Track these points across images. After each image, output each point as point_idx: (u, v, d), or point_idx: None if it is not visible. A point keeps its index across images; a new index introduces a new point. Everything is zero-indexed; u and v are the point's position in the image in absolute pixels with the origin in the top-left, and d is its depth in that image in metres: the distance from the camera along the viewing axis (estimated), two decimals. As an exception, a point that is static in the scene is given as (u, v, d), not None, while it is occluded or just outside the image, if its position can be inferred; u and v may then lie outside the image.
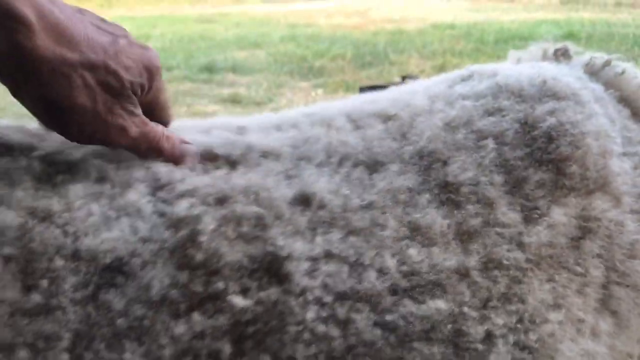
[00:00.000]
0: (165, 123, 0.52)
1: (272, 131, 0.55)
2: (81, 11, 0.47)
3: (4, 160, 0.46)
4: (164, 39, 6.34)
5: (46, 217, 0.44)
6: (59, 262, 0.42)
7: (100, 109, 0.45)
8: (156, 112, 0.51)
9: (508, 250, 0.51)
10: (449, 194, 0.52)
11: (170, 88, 4.39)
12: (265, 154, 0.52)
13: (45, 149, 0.48)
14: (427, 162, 0.53)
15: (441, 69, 4.67)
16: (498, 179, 0.53)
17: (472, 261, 0.50)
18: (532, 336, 0.50)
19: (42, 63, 0.43)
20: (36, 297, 0.41)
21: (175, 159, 0.50)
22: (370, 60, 5.20)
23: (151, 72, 0.49)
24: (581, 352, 0.52)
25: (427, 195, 0.52)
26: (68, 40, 0.44)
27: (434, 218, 0.51)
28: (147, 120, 0.49)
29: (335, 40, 6.23)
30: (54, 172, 0.47)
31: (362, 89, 3.49)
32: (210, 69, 4.95)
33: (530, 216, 0.53)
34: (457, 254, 0.50)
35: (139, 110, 0.48)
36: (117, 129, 0.47)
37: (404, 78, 3.85)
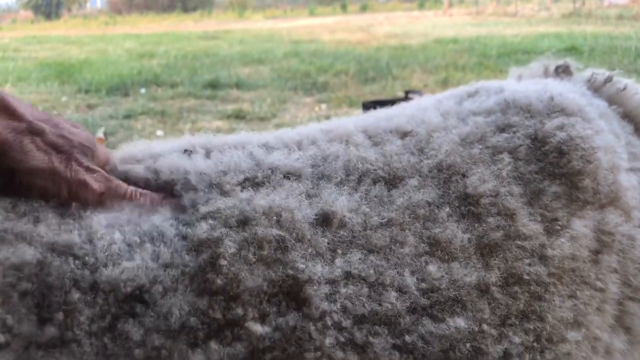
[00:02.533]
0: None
1: (293, 148, 0.55)
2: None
3: (37, 202, 0.46)
4: (168, 56, 6.38)
5: (66, 250, 0.44)
6: (75, 295, 0.42)
7: (57, 166, 0.46)
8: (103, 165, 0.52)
9: (529, 265, 0.50)
10: (469, 207, 0.52)
11: (175, 104, 4.41)
12: (288, 175, 0.52)
13: None
14: (446, 175, 0.53)
15: (444, 83, 4.68)
16: (517, 189, 0.53)
17: (493, 277, 0.49)
18: (548, 356, 0.49)
19: None
20: (51, 330, 0.41)
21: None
22: (374, 75, 5.22)
23: (90, 142, 0.50)
24: None
25: (447, 209, 0.51)
26: (12, 112, 0.46)
27: (454, 232, 0.50)
28: (110, 176, 0.49)
29: (339, 55, 6.26)
30: (84, 207, 0.47)
31: (366, 104, 3.50)
32: (214, 85, 4.97)
33: (552, 227, 0.52)
34: (478, 269, 0.49)
35: (94, 166, 0.49)
36: (79, 183, 0.47)
37: (407, 93, 3.86)
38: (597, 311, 0.52)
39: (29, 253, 0.42)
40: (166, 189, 0.51)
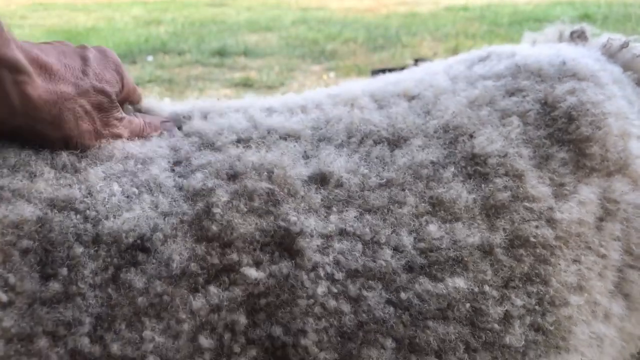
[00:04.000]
0: (138, 101, 0.57)
1: (297, 112, 0.55)
2: (47, 43, 0.49)
3: (25, 152, 0.46)
4: (176, 24, 6.32)
5: (66, 205, 0.44)
6: (78, 250, 0.43)
7: (99, 127, 0.49)
8: (129, 99, 0.55)
9: (536, 227, 0.50)
10: (476, 167, 0.51)
11: (182, 72, 4.39)
12: (286, 136, 0.52)
13: None
14: (453, 135, 0.53)
15: (454, 51, 4.62)
16: (526, 152, 0.52)
17: (498, 238, 0.49)
18: (549, 318, 0.50)
19: (50, 108, 0.45)
20: (55, 286, 0.42)
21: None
22: (383, 44, 5.15)
23: (120, 72, 0.52)
24: (592, 335, 0.51)
25: (452, 169, 0.51)
26: (56, 76, 0.46)
27: (459, 192, 0.50)
28: (130, 117, 0.53)
29: (347, 23, 6.18)
30: (79, 159, 0.48)
31: (375, 72, 3.47)
32: (221, 53, 4.93)
33: (560, 192, 0.52)
34: (482, 230, 0.49)
35: (123, 114, 0.52)
36: (114, 136, 0.51)
37: (416, 61, 3.82)
38: (599, 277, 0.52)
39: (28, 210, 0.43)
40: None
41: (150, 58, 4.84)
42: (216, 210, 0.46)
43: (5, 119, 0.44)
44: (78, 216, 0.44)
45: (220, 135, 0.52)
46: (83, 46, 0.52)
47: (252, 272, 0.45)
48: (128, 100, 0.55)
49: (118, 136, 0.51)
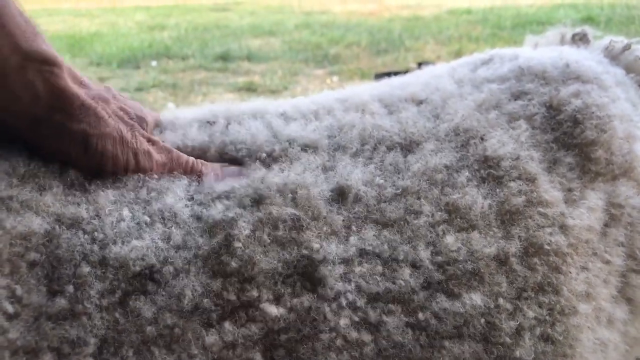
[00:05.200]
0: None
1: (310, 118, 0.54)
2: None
3: (34, 163, 0.45)
4: (179, 29, 6.34)
5: (74, 223, 0.43)
6: (85, 269, 0.42)
7: (125, 135, 0.46)
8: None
9: (550, 234, 0.49)
10: (489, 170, 0.50)
11: (186, 77, 4.39)
12: (305, 147, 0.51)
13: None
14: (464, 138, 0.52)
15: (457, 55, 4.61)
16: (536, 155, 0.52)
17: (513, 247, 0.48)
18: (559, 328, 0.49)
19: (74, 99, 0.44)
20: (62, 302, 0.41)
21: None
22: (386, 47, 5.15)
23: (144, 119, 0.50)
24: (596, 341, 0.51)
25: (466, 173, 0.50)
26: (80, 80, 0.46)
27: (474, 198, 0.49)
28: (169, 147, 0.50)
29: (350, 27, 6.18)
30: (88, 180, 0.46)
31: (378, 76, 3.47)
32: (225, 57, 4.93)
33: (570, 197, 0.51)
34: (498, 239, 0.48)
35: (156, 138, 0.49)
36: (144, 153, 0.47)
37: (419, 64, 3.82)
38: (604, 283, 0.51)
39: (37, 222, 0.42)
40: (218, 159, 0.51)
41: (154, 63, 4.85)
42: (237, 244, 0.44)
43: (27, 108, 0.43)
44: (85, 236, 0.43)
45: (241, 148, 0.51)
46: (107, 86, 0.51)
47: (273, 309, 0.44)
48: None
49: (149, 154, 0.47)
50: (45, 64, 0.43)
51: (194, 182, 0.48)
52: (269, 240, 0.45)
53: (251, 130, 0.52)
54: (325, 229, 0.46)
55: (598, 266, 0.51)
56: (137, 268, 0.43)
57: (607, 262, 0.52)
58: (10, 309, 0.40)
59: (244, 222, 0.45)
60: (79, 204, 0.44)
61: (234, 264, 0.44)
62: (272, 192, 0.46)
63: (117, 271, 0.42)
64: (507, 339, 0.47)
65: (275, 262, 0.44)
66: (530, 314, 0.48)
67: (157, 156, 0.48)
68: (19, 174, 0.44)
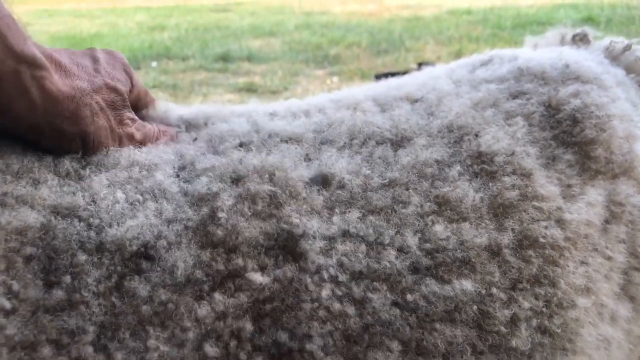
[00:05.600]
0: (149, 105, 0.57)
1: (299, 116, 0.55)
2: (55, 49, 0.49)
3: (28, 159, 0.46)
4: (179, 29, 6.34)
5: (70, 213, 0.44)
6: (81, 257, 0.43)
7: (113, 125, 0.49)
8: (141, 102, 0.56)
9: (546, 227, 0.49)
10: (482, 165, 0.51)
11: (186, 78, 4.40)
12: (288, 139, 0.52)
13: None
14: (457, 135, 0.52)
15: (458, 55, 4.62)
16: (533, 151, 0.52)
17: (506, 238, 0.49)
18: (557, 321, 0.49)
19: (69, 103, 0.45)
20: (59, 294, 0.41)
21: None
22: (386, 48, 5.15)
23: (129, 72, 0.52)
24: (599, 337, 0.51)
25: (457, 168, 0.50)
26: (70, 72, 0.47)
27: (465, 191, 0.49)
28: (143, 122, 0.53)
29: (351, 27, 6.18)
30: (83, 166, 0.47)
31: (378, 76, 3.47)
32: (225, 58, 4.94)
33: (568, 192, 0.51)
34: (490, 230, 0.49)
35: (135, 116, 0.52)
36: (128, 136, 0.51)
37: (420, 65, 3.82)
38: (605, 279, 0.52)
39: (32, 217, 0.43)
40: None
41: (154, 64, 4.85)
42: (221, 214, 0.46)
43: (24, 114, 0.44)
44: (82, 224, 0.44)
45: (223, 140, 0.53)
46: (91, 48, 0.52)
47: (258, 277, 0.45)
48: (140, 102, 0.55)
49: (131, 137, 0.51)
50: (37, 68, 0.43)
51: (178, 157, 0.51)
52: (249, 213, 0.47)
53: (233, 125, 0.54)
54: (305, 207, 0.48)
55: (599, 261, 0.51)
56: (134, 247, 0.44)
57: (609, 258, 0.52)
58: (7, 305, 0.40)
59: (227, 195, 0.47)
60: (74, 193, 0.45)
61: (219, 233, 0.45)
62: (249, 172, 0.48)
63: (113, 255, 0.43)
64: (502, 328, 0.47)
65: (257, 232, 0.46)
66: (526, 304, 0.48)
67: (138, 135, 0.52)
68: (12, 170, 0.45)
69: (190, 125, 0.57)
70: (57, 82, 0.44)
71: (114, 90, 0.50)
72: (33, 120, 0.44)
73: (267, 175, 0.48)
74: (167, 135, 0.54)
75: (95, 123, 0.47)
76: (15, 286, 0.41)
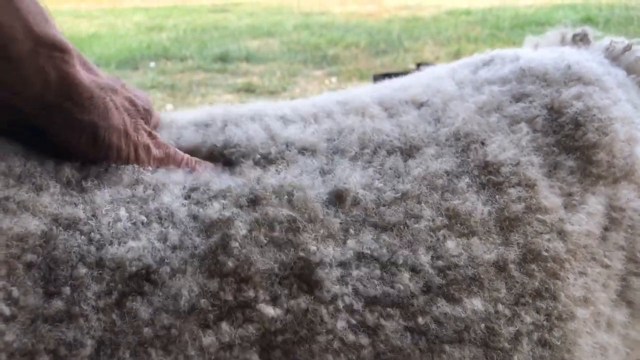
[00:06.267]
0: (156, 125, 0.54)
1: (310, 122, 0.54)
2: None
3: (30, 163, 0.45)
4: (178, 30, 6.34)
5: (71, 224, 0.43)
6: (82, 270, 0.42)
7: (129, 129, 0.47)
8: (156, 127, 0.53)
9: (548, 240, 0.49)
10: (489, 176, 0.50)
11: (184, 78, 4.39)
12: (303, 150, 0.51)
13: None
14: (465, 143, 0.52)
15: (456, 55, 4.62)
16: (536, 160, 0.52)
17: (512, 253, 0.48)
18: (556, 333, 0.49)
19: (84, 89, 0.44)
20: (58, 304, 0.41)
21: None
22: (385, 48, 5.15)
23: (148, 108, 0.51)
24: (595, 345, 0.50)
25: (466, 179, 0.50)
26: (90, 67, 0.46)
27: (475, 204, 0.49)
28: (168, 143, 0.51)
29: (349, 28, 6.18)
30: (84, 176, 0.46)
31: (377, 77, 3.47)
32: (223, 58, 4.93)
33: (569, 202, 0.51)
34: (497, 245, 0.48)
35: (156, 133, 0.50)
36: (144, 147, 0.48)
37: (418, 65, 3.81)
38: (603, 287, 0.51)
39: (33, 224, 0.42)
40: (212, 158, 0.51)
41: (152, 64, 4.85)
42: (234, 244, 0.44)
43: (37, 95, 0.43)
44: (82, 237, 0.43)
45: (239, 152, 0.51)
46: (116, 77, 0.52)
47: (269, 310, 0.43)
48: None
49: (147, 148, 0.48)
50: (57, 51, 0.43)
51: (189, 176, 0.48)
52: (265, 241, 0.45)
53: (248, 132, 0.52)
54: (322, 231, 0.46)
55: (597, 271, 0.51)
56: (134, 269, 0.42)
57: (607, 267, 0.52)
58: (6, 311, 0.39)
59: (241, 221, 0.45)
60: (76, 204, 0.44)
61: (230, 264, 0.43)
62: (268, 193, 0.46)
63: (113, 272, 0.42)
64: (506, 344, 0.47)
65: (271, 262, 0.44)
66: (528, 319, 0.48)
67: (155, 151, 0.49)
68: (15, 174, 0.44)
69: (207, 134, 0.54)
70: (77, 69, 0.44)
71: (130, 101, 0.49)
72: (46, 100, 0.43)
73: (285, 197, 0.46)
74: (201, 165, 0.51)
75: (108, 119, 0.46)
76: (15, 293, 0.40)
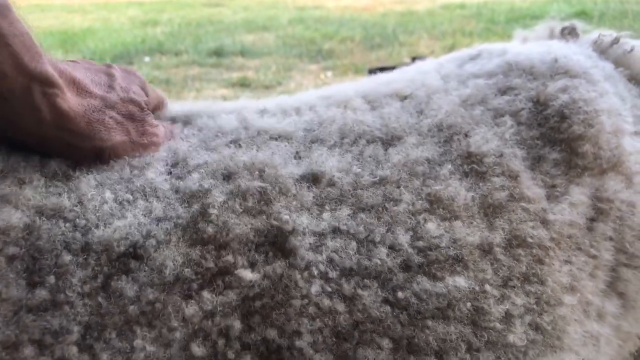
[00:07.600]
0: (162, 107, 0.57)
1: (290, 114, 0.55)
2: (72, 61, 0.49)
3: (13, 159, 0.45)
4: (172, 24, 6.31)
5: (55, 213, 0.44)
6: (66, 258, 0.42)
7: (134, 137, 0.49)
8: (156, 109, 0.55)
9: (533, 228, 0.50)
10: (472, 165, 0.51)
11: (179, 73, 4.38)
12: (277, 137, 0.52)
13: None
14: (447, 134, 0.53)
15: (451, 49, 4.60)
16: (520, 153, 0.52)
17: (497, 237, 0.49)
18: (547, 318, 0.50)
19: (81, 119, 0.45)
20: (42, 293, 0.41)
21: None
22: (380, 42, 5.15)
23: (145, 88, 0.52)
24: (586, 334, 0.51)
25: (448, 166, 0.51)
26: (84, 89, 0.47)
27: (457, 190, 0.50)
28: (160, 125, 0.53)
29: (344, 22, 6.17)
30: (72, 167, 0.47)
31: (371, 71, 3.46)
32: (218, 53, 4.92)
33: (552, 193, 0.52)
34: (481, 229, 0.49)
35: (155, 122, 0.52)
36: (153, 145, 0.51)
37: (413, 59, 3.81)
38: (590, 277, 0.52)
39: (16, 216, 0.42)
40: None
41: (147, 59, 4.83)
42: (213, 211, 0.46)
43: (34, 129, 0.44)
44: (67, 224, 0.44)
45: (214, 136, 0.52)
46: (108, 64, 0.52)
47: (247, 274, 0.45)
48: (155, 110, 0.55)
49: (155, 144, 0.51)
50: (49, 86, 0.43)
51: (170, 152, 0.50)
52: (240, 210, 0.47)
53: (221, 122, 0.54)
54: (294, 203, 0.48)
55: (582, 259, 0.52)
56: (122, 248, 0.43)
57: (593, 257, 0.52)
58: None
59: (218, 191, 0.47)
60: (60, 194, 0.45)
61: (210, 230, 0.45)
62: (240, 169, 0.48)
63: (99, 255, 0.43)
64: (498, 324, 0.48)
65: (247, 229, 0.46)
66: (519, 301, 0.49)
67: (160, 142, 0.51)
68: None
69: (183, 123, 0.56)
70: (69, 100, 0.45)
71: (131, 102, 0.50)
72: (43, 135, 0.45)
73: (257, 172, 0.48)
74: (172, 133, 0.54)
75: (111, 139, 0.47)
76: None
